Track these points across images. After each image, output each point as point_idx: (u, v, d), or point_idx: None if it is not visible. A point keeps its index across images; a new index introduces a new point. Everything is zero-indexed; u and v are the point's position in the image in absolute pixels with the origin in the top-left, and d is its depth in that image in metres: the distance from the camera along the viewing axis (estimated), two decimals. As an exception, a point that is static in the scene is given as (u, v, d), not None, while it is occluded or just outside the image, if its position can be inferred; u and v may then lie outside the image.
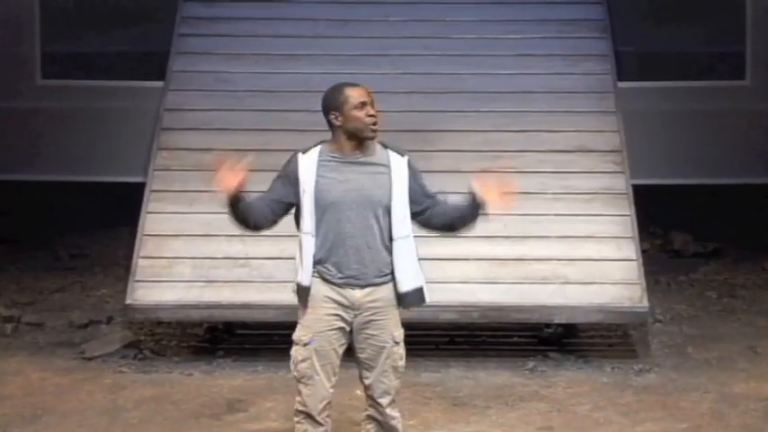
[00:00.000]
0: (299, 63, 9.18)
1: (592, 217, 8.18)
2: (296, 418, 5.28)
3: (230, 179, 5.09)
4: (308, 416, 5.23)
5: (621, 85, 9.40)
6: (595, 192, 8.34)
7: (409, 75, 9.13)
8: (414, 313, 5.38)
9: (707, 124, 10.96)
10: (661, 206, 10.39)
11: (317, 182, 5.17)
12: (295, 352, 5.25)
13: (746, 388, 7.31)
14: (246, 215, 5.21)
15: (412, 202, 5.25)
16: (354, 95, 5.18)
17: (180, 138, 8.70)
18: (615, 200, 8.28)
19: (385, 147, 5.29)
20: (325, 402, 5.24)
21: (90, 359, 7.93)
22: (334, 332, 5.21)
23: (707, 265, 10.35)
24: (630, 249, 8.00)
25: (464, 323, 8.09)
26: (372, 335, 5.23)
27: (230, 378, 7.55)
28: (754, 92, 11.00)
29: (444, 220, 5.35)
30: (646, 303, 7.82)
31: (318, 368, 5.19)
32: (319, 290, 5.19)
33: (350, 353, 5.30)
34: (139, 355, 8.01)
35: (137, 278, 7.88)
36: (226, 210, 5.19)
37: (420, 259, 5.34)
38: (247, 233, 5.51)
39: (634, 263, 7.94)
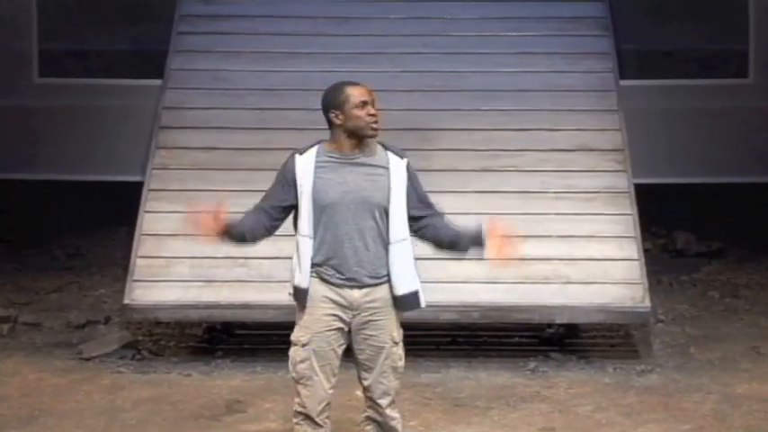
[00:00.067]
0: (298, 61, 9.17)
1: (593, 216, 8.17)
2: (295, 420, 5.25)
3: (212, 224, 5.14)
4: (308, 417, 5.20)
5: (623, 83, 9.37)
6: (597, 191, 8.32)
7: (409, 73, 9.12)
8: (414, 313, 5.34)
9: (710, 123, 10.93)
10: (663, 205, 10.37)
11: (314, 183, 5.14)
12: (293, 353, 5.22)
13: (749, 389, 7.30)
14: (242, 235, 5.25)
15: (407, 205, 5.22)
16: (355, 94, 5.16)
17: (178, 136, 8.69)
18: (617, 199, 8.27)
19: (385, 148, 5.26)
20: (324, 404, 5.21)
21: (88, 359, 7.92)
22: (332, 332, 5.17)
23: (709, 265, 10.34)
24: (632, 249, 7.98)
25: (465, 323, 8.08)
26: (371, 335, 5.19)
27: (229, 379, 7.53)
28: (757, 90, 10.96)
29: (437, 235, 5.31)
30: (648, 303, 7.80)
31: (317, 369, 5.16)
32: (317, 290, 5.16)
33: (349, 353, 5.27)
34: (137, 356, 8.00)
35: (135, 278, 7.87)
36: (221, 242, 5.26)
37: (421, 259, 5.31)
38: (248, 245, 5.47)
39: (636, 262, 7.92)
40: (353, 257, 5.12)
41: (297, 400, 5.22)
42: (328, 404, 5.23)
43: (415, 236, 5.28)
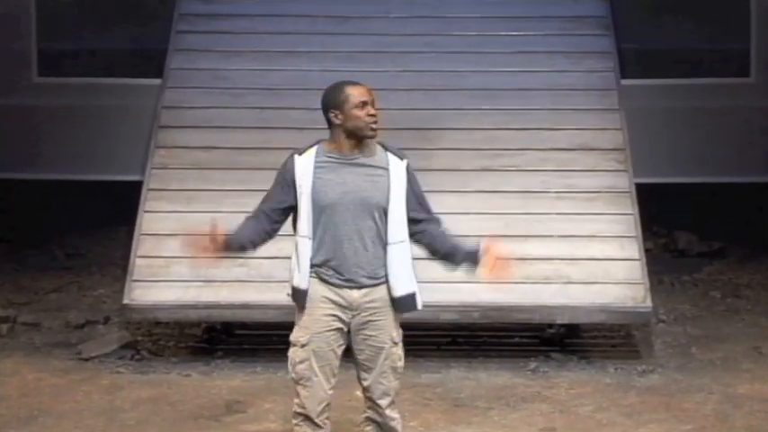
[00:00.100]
0: (298, 60, 9.15)
1: (594, 216, 8.16)
2: (294, 421, 5.23)
3: (210, 245, 5.14)
4: (307, 418, 5.18)
5: (625, 82, 9.36)
6: (598, 190, 8.31)
7: (410, 72, 9.10)
8: (414, 313, 5.32)
9: (712, 122, 10.91)
10: (665, 205, 10.35)
11: (313, 183, 5.12)
12: (293, 353, 5.19)
13: (751, 389, 7.29)
14: (242, 246, 5.25)
15: (407, 207, 5.20)
16: (355, 94, 5.14)
17: (178, 136, 8.68)
18: (618, 199, 8.25)
19: (385, 149, 5.24)
20: (324, 404, 5.19)
21: (87, 360, 7.90)
22: (332, 333, 5.15)
23: (711, 265, 10.33)
24: (634, 249, 7.97)
25: (465, 323, 8.06)
26: (371, 335, 5.17)
27: (229, 379, 7.51)
28: (759, 89, 10.94)
29: (433, 243, 5.27)
30: (649, 303, 7.79)
31: (317, 369, 5.14)
32: (317, 290, 5.14)
33: (348, 353, 5.25)
34: (137, 356, 7.98)
35: (134, 278, 7.86)
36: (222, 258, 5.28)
37: (420, 259, 5.30)
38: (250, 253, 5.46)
39: (637, 262, 7.91)
40: (353, 258, 5.10)
41: (296, 400, 5.20)
42: (328, 405, 5.21)
43: (411, 239, 5.26)
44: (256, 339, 8.14)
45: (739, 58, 11.06)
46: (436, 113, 8.78)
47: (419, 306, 5.23)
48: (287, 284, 5.27)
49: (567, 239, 8.01)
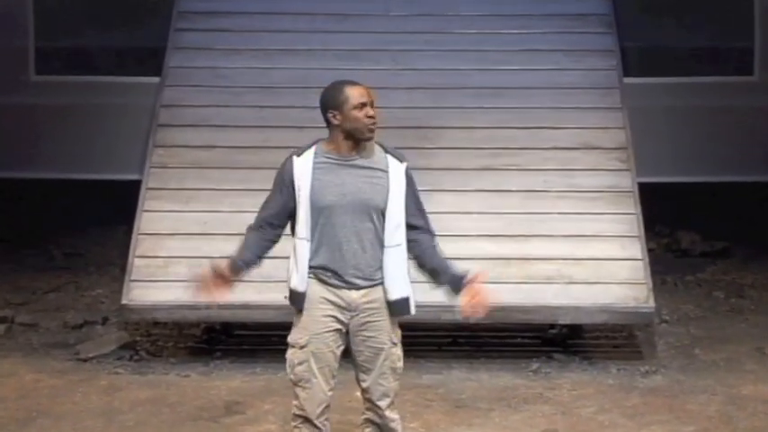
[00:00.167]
0: (297, 58, 9.14)
1: (597, 216, 8.14)
2: (294, 423, 5.21)
3: (220, 284, 5.13)
4: (307, 420, 5.15)
5: (627, 80, 9.33)
6: (600, 190, 8.29)
7: (410, 70, 9.08)
8: (415, 313, 5.26)
9: (715, 121, 10.88)
10: (667, 204, 10.33)
11: (312, 185, 5.08)
12: (291, 355, 5.16)
13: (754, 390, 7.26)
14: (252, 264, 5.21)
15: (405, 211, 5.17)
16: (355, 95, 5.10)
17: (177, 134, 8.66)
18: (621, 198, 8.23)
19: (385, 150, 5.19)
20: (323, 406, 5.16)
21: (85, 360, 7.88)
22: (330, 334, 5.12)
23: (714, 265, 10.31)
24: (636, 249, 7.94)
25: (466, 324, 7.98)
26: (370, 336, 5.14)
27: (228, 380, 7.49)
28: (762, 88, 10.92)
29: (422, 256, 5.22)
30: (652, 304, 7.77)
31: (316, 371, 5.11)
32: (315, 291, 5.11)
33: (348, 354, 5.22)
34: (135, 357, 7.96)
35: (132, 278, 7.83)
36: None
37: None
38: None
39: (640, 262, 7.89)
40: (352, 260, 5.07)
41: (295, 402, 5.17)
42: (327, 406, 5.18)
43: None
44: (256, 340, 8.12)
45: (743, 57, 11.02)
46: (437, 112, 8.75)
47: (413, 311, 5.20)
48: (285, 287, 5.22)
49: (569, 239, 7.98)
